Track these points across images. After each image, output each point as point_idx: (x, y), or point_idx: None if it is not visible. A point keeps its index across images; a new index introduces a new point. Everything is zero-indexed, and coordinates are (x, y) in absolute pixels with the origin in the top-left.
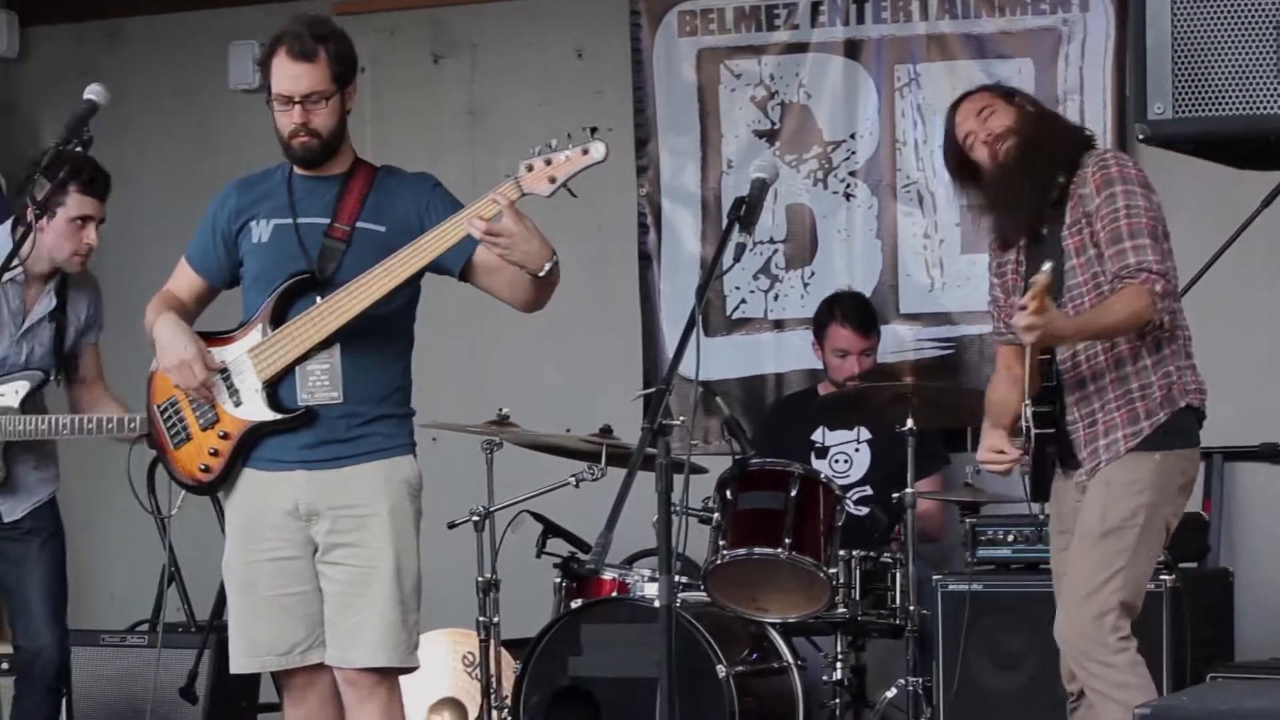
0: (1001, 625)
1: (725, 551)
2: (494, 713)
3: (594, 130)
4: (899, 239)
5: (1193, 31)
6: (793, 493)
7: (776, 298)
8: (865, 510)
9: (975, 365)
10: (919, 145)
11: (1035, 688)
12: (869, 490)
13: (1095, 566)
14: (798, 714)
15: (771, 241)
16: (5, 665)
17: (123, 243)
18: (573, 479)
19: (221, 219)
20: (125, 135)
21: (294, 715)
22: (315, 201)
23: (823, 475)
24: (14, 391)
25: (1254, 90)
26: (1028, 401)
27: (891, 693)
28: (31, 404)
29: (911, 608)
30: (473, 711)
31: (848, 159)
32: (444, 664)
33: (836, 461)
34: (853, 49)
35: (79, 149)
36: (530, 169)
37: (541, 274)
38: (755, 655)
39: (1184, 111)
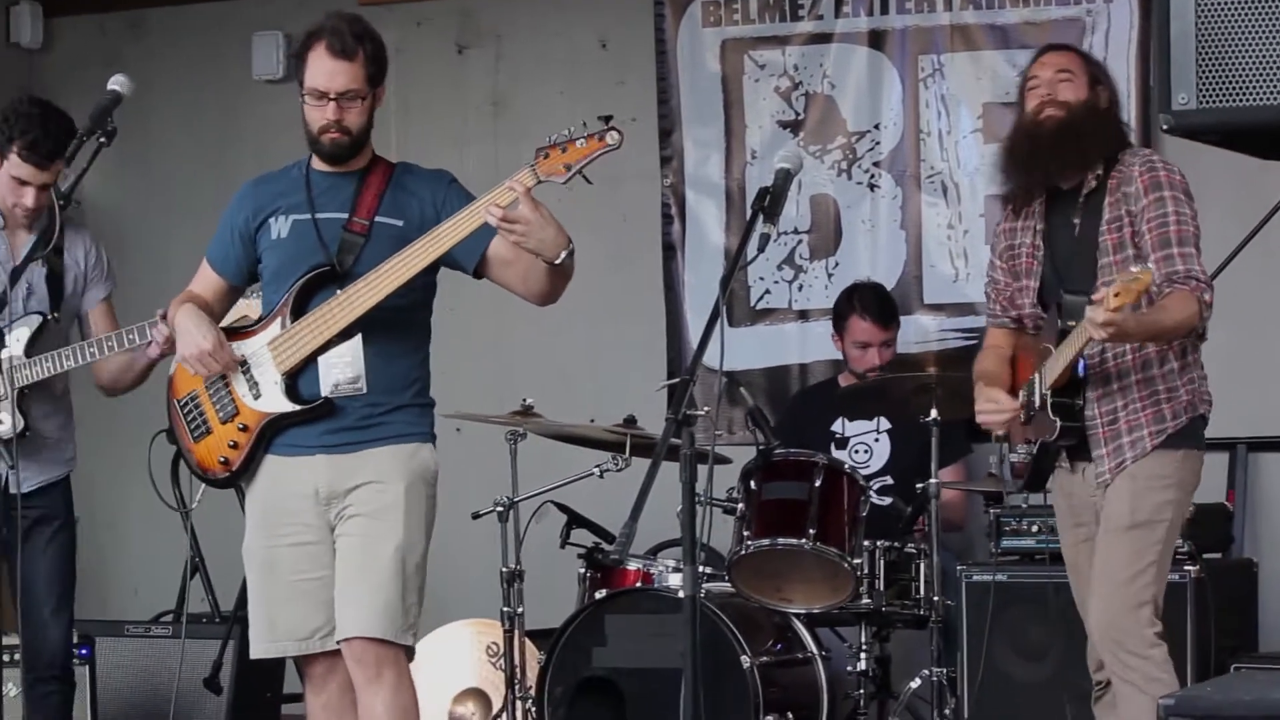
0: (1026, 616)
1: (749, 542)
2: (518, 703)
3: (609, 119)
4: (923, 229)
5: (1217, 22)
6: (817, 483)
7: (801, 288)
8: (888, 500)
9: None
10: (943, 135)
11: (1059, 678)
12: (889, 480)
13: (1128, 559)
14: (822, 705)
15: (796, 232)
16: (9, 658)
17: (147, 231)
18: (597, 469)
19: (239, 218)
20: (149, 125)
21: (314, 703)
22: (334, 197)
23: (846, 465)
24: (16, 340)
25: (1278, 80)
26: (1047, 390)
27: (916, 683)
28: (36, 348)
29: (936, 598)
30: (497, 702)
31: (872, 149)
32: (468, 654)
33: (856, 452)
34: (877, 39)
35: (103, 140)
36: (546, 156)
37: (557, 262)
38: (779, 646)
39: (1208, 102)
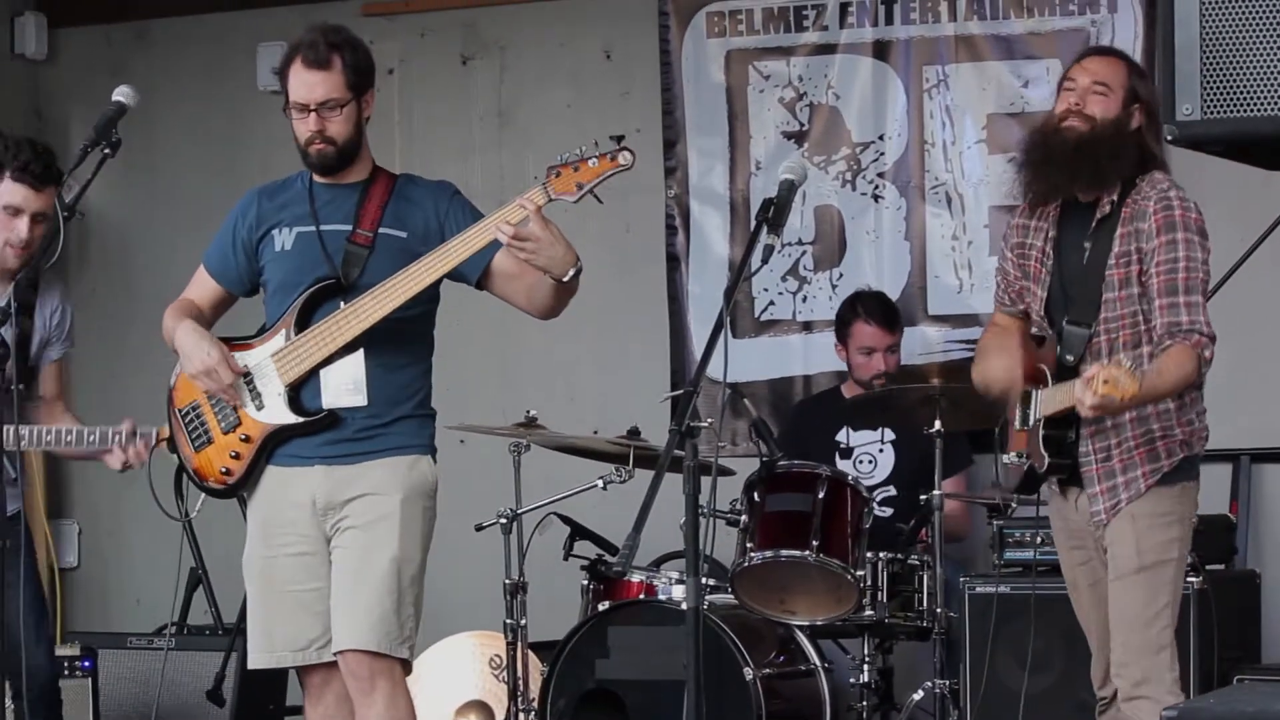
0: (1028, 628)
1: (753, 554)
2: (521, 715)
3: (621, 138)
4: (927, 240)
5: (1221, 33)
6: (820, 495)
7: (805, 299)
8: (890, 511)
9: None
10: (947, 146)
11: (1062, 690)
12: (893, 491)
13: (1143, 603)
14: (825, 717)
15: (800, 243)
16: None
17: (152, 242)
18: (600, 481)
19: (243, 228)
20: (154, 136)
21: (313, 714)
22: (337, 209)
23: (850, 477)
24: None
25: None
26: (1040, 418)
27: (919, 695)
28: None
29: (939, 610)
30: (500, 714)
31: (876, 160)
32: (471, 666)
33: (861, 462)
34: (881, 50)
35: (107, 151)
36: (558, 175)
37: (565, 279)
38: (782, 658)
39: (1212, 113)
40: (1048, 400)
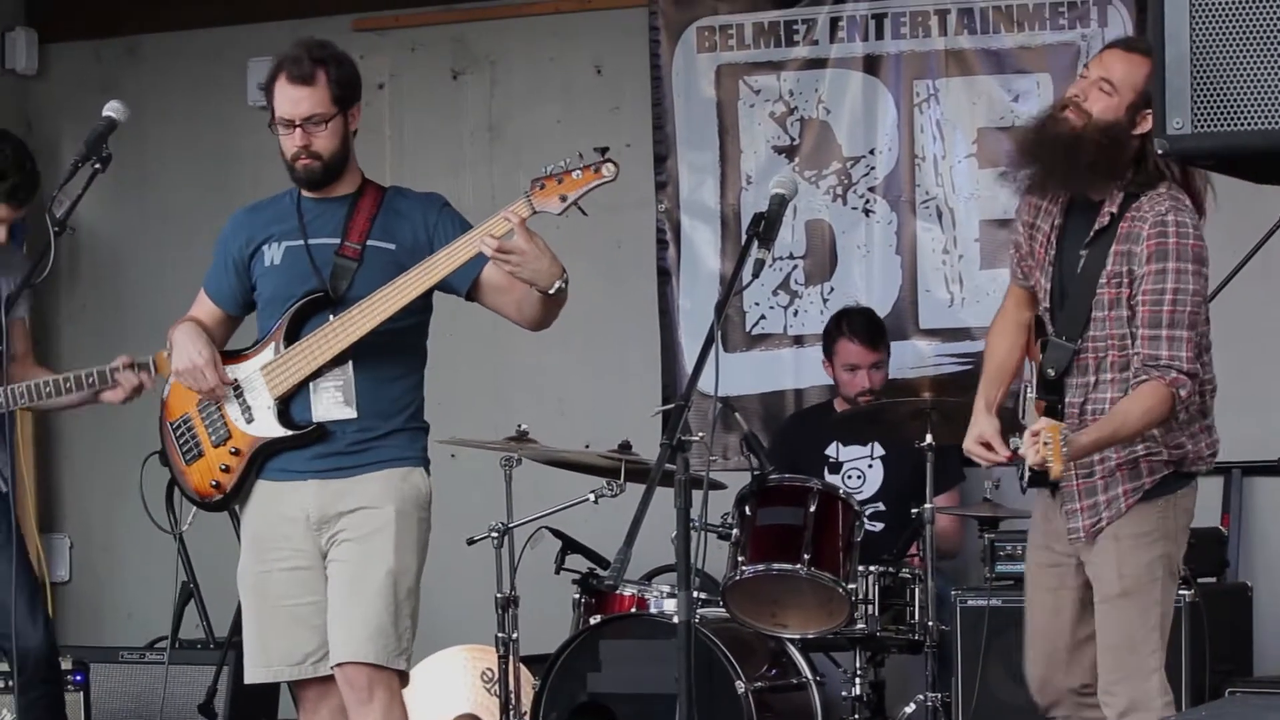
0: (1020, 640)
1: (744, 567)
2: None
3: (605, 150)
4: (918, 254)
5: (1212, 46)
6: (812, 508)
7: (796, 313)
8: (880, 526)
9: None
10: (938, 160)
11: None
12: (882, 506)
13: (1130, 627)
14: None
15: (791, 257)
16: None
17: (143, 257)
18: (591, 495)
19: (233, 247)
20: (145, 151)
21: None
22: (325, 222)
23: (841, 491)
24: None
25: (1273, 105)
26: (1026, 424)
27: (910, 708)
28: None
29: (930, 623)
30: None
31: (867, 174)
32: (463, 680)
33: (850, 477)
34: (871, 64)
35: (98, 166)
36: (542, 187)
37: (551, 292)
38: (774, 671)
39: (1203, 126)
40: (1031, 417)
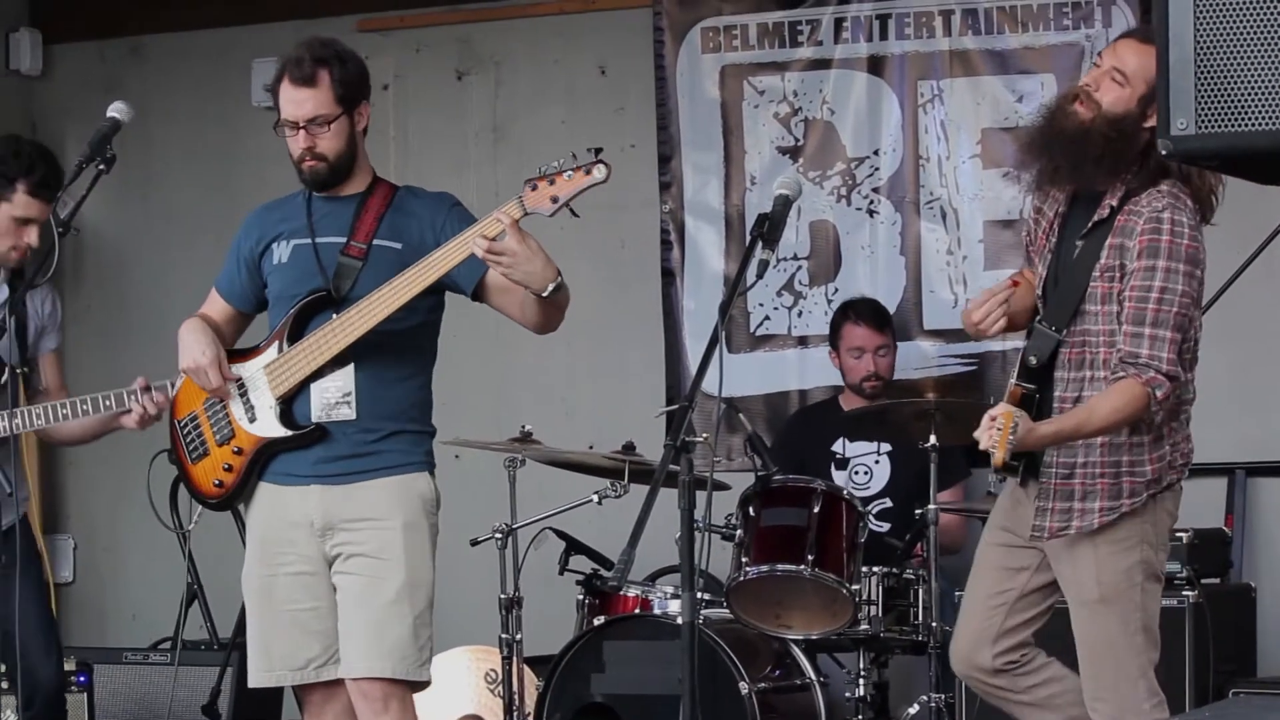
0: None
1: (748, 568)
2: None
3: (599, 151)
4: (922, 255)
5: (1216, 47)
6: (815, 509)
7: (800, 314)
8: (886, 526)
9: (998, 381)
10: (942, 161)
11: None
12: (889, 503)
13: (1112, 634)
14: None
15: (795, 258)
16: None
17: (147, 258)
18: (595, 496)
19: (245, 245)
20: (149, 152)
21: None
22: (333, 221)
23: (845, 491)
24: None
25: (1278, 105)
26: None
27: (914, 709)
28: None
29: (934, 624)
30: None
31: (871, 175)
32: (467, 681)
33: (856, 473)
34: (876, 65)
35: (102, 166)
36: (534, 188)
37: (545, 294)
38: (778, 672)
39: (1207, 127)
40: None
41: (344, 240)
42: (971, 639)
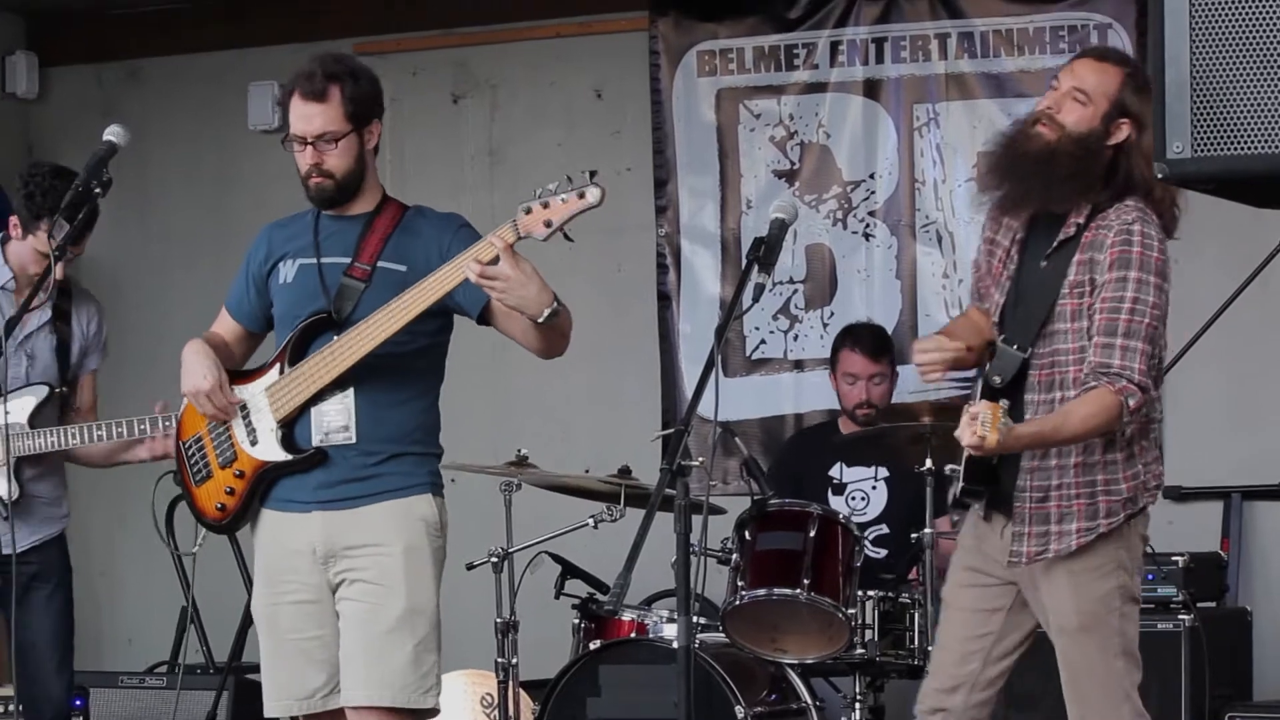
0: (1017, 665)
1: (744, 592)
2: None
3: (594, 174)
4: (918, 279)
5: (1212, 71)
6: (811, 533)
7: (796, 338)
8: (883, 552)
9: None
10: (938, 185)
11: None
12: (885, 529)
13: (1093, 661)
14: None
15: (791, 282)
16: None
17: (144, 281)
18: (591, 520)
19: (254, 263)
20: (145, 175)
21: None
22: (339, 241)
23: (841, 516)
24: (20, 408)
25: (1273, 129)
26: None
27: None
28: (41, 419)
29: (930, 648)
30: None
31: (867, 199)
32: (462, 705)
33: (853, 498)
34: (872, 89)
35: (98, 190)
36: (529, 212)
37: (540, 320)
38: (774, 696)
39: (1203, 151)
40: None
41: (349, 261)
42: (947, 682)
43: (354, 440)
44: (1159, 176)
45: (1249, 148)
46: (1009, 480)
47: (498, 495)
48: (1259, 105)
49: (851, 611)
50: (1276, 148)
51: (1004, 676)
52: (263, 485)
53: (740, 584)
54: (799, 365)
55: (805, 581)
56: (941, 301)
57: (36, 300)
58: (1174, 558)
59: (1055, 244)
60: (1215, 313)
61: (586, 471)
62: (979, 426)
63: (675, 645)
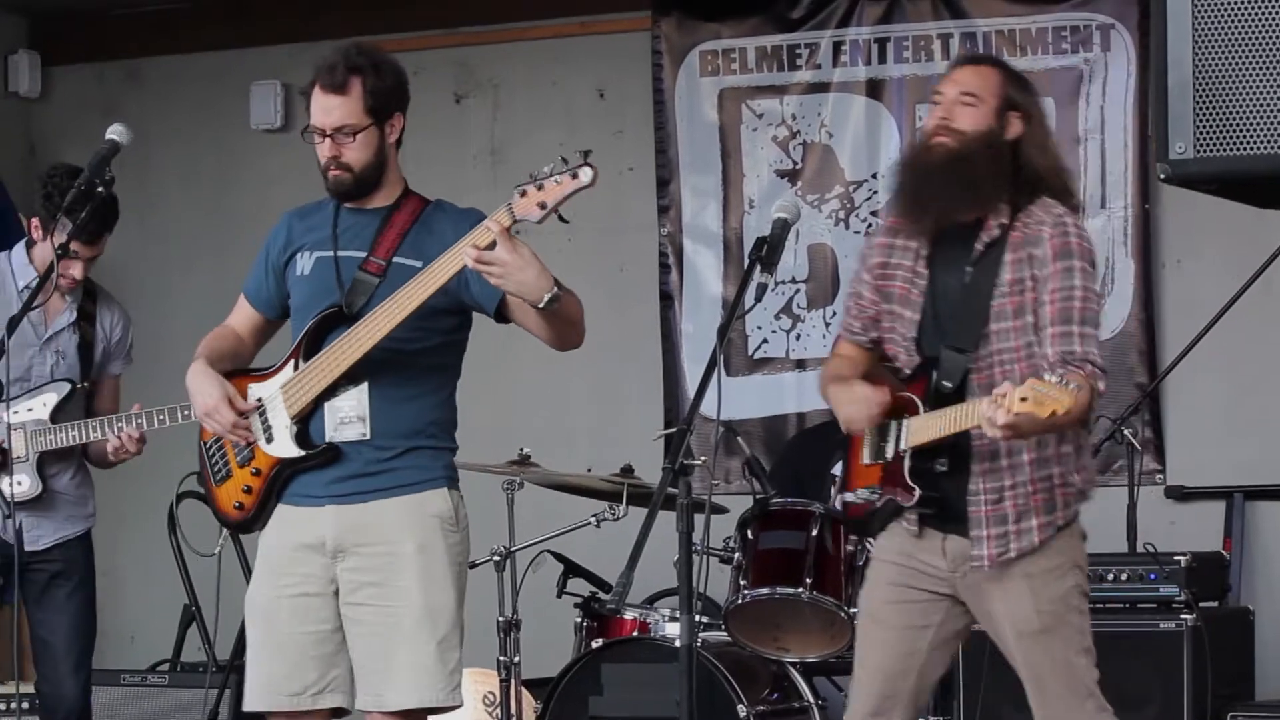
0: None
1: (746, 591)
2: None
3: (587, 154)
4: None
5: (1214, 71)
6: (814, 532)
7: (798, 337)
8: None
9: None
10: None
11: None
12: None
13: (1055, 661)
14: None
15: (793, 281)
16: (26, 705)
17: (145, 281)
18: (594, 519)
19: (274, 251)
20: (147, 175)
21: None
22: (357, 235)
23: None
24: (42, 404)
25: (1276, 129)
26: (906, 449)
27: None
28: (63, 415)
29: None
30: None
31: (869, 198)
32: (465, 704)
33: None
34: (874, 88)
35: (100, 189)
36: (523, 194)
37: (540, 305)
38: (776, 695)
39: (1205, 151)
40: (920, 429)
41: (364, 255)
42: (876, 704)
43: (368, 435)
44: (1161, 177)
45: (1251, 148)
46: (956, 489)
47: (500, 494)
48: (1261, 105)
49: (854, 610)
50: (1278, 148)
51: (929, 694)
52: (279, 482)
53: (742, 583)
54: (801, 365)
55: (807, 580)
56: None
57: (54, 300)
58: (1176, 557)
59: (981, 249)
60: (1218, 313)
61: (589, 470)
62: (1054, 390)
63: (677, 644)
